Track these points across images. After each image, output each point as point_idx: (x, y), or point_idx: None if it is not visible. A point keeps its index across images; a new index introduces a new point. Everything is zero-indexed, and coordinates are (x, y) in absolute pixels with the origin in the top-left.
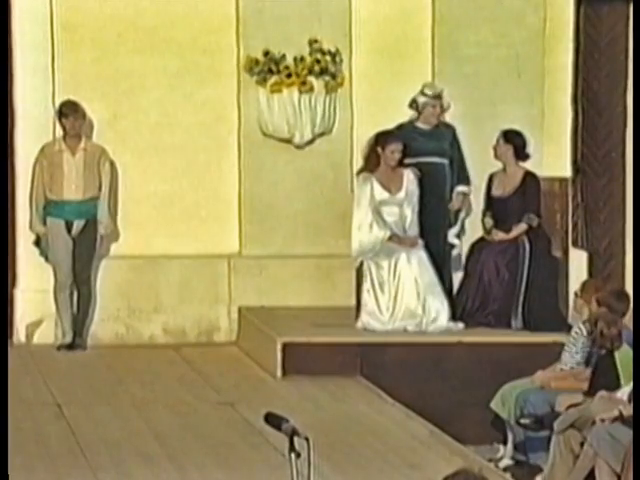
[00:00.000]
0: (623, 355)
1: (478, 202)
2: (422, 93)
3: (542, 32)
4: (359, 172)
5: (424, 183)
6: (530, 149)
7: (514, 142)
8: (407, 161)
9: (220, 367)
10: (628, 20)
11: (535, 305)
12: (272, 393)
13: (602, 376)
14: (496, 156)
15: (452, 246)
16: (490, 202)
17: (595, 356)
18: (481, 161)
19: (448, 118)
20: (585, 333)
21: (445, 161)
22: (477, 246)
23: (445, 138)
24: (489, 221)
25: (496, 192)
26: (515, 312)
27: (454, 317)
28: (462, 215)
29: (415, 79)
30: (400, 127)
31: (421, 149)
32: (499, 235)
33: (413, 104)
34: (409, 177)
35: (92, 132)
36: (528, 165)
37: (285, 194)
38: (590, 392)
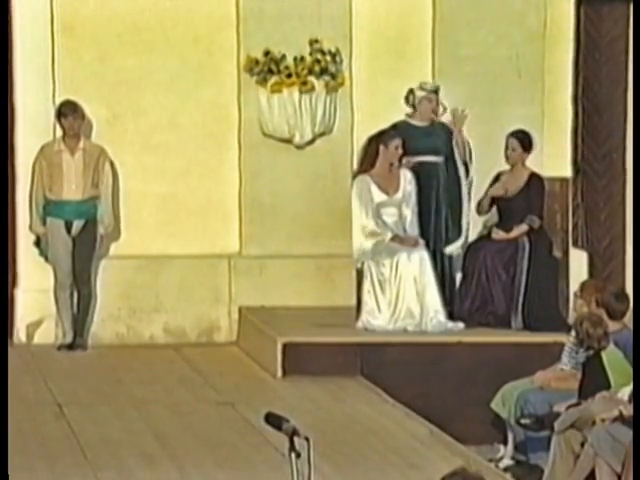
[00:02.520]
0: (610, 355)
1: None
2: (420, 87)
3: (542, 32)
4: (355, 175)
5: (420, 182)
6: (535, 146)
7: (522, 142)
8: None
9: (220, 367)
10: (628, 20)
11: (535, 305)
12: (272, 393)
13: (591, 377)
14: (506, 158)
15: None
16: (494, 200)
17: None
18: (480, 160)
19: (445, 119)
20: None
21: (440, 159)
22: (475, 246)
23: (439, 136)
24: (491, 219)
25: (501, 191)
26: (515, 312)
27: (454, 317)
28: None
29: (415, 79)
30: (395, 126)
31: (417, 148)
32: (500, 234)
33: (410, 96)
34: (406, 177)
35: (91, 132)
36: (529, 165)
37: (285, 194)
38: (580, 393)
